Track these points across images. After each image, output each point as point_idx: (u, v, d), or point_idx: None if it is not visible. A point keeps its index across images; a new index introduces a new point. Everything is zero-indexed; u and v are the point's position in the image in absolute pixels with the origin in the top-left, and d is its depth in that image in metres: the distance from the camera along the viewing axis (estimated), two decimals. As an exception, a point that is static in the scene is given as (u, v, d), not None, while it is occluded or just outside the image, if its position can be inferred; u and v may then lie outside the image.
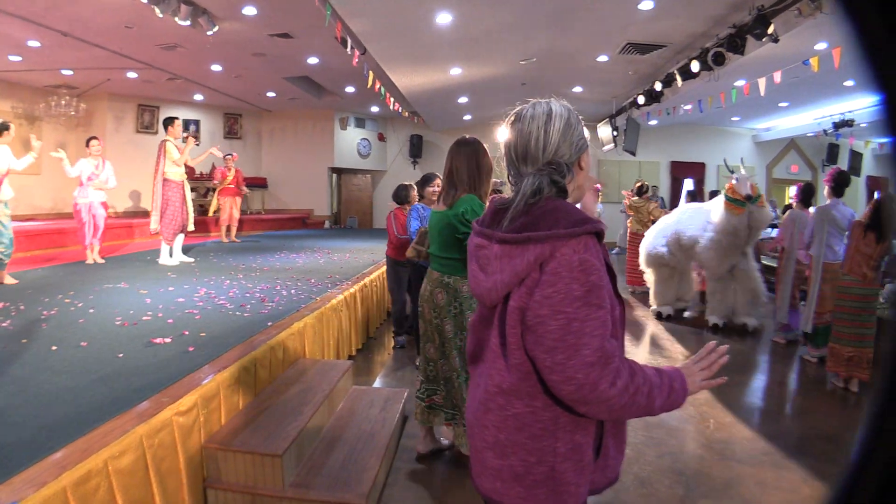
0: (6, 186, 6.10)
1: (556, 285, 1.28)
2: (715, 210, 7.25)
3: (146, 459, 2.42)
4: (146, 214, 13.92)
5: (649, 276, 8.53)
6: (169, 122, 7.79)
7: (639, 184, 10.50)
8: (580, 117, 1.49)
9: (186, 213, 7.81)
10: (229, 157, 11.53)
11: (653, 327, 7.72)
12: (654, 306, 8.41)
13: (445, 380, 3.52)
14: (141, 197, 14.45)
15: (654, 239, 8.26)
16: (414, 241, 4.79)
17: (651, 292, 8.52)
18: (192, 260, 8.05)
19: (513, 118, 1.50)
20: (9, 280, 6.03)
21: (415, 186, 6.14)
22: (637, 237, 9.75)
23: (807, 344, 6.37)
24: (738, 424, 4.58)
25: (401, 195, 6.26)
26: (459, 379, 3.39)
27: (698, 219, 7.61)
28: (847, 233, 5.70)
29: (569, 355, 1.26)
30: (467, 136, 3.57)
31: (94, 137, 7.89)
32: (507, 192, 1.56)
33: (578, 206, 1.48)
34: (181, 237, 7.93)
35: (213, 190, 11.97)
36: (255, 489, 2.86)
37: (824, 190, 6.26)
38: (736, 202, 6.93)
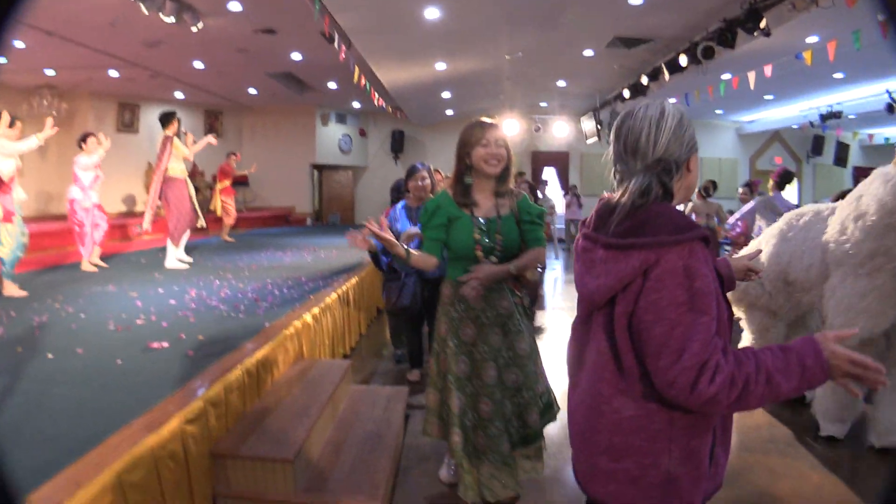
0: (18, 187, 5.87)
1: (660, 291, 1.28)
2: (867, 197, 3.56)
3: (158, 471, 2.34)
4: (123, 216, 13.73)
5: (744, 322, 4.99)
6: (168, 118, 7.51)
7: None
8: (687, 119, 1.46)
9: (195, 211, 7.59)
10: (233, 155, 11.47)
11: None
12: None
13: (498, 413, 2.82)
14: (122, 198, 14.26)
15: None
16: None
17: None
18: (190, 260, 7.80)
19: (623, 115, 1.48)
20: (14, 291, 5.47)
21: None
22: None
23: None
24: (742, 412, 4.59)
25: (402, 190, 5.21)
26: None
27: (815, 234, 4.07)
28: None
29: (671, 360, 1.26)
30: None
31: (91, 133, 7.51)
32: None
33: (681, 207, 1.48)
34: (186, 234, 7.70)
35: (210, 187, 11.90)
36: (265, 496, 2.79)
37: (769, 184, 6.87)
38: None
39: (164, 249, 7.64)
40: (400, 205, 4.81)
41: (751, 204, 7.31)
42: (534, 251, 2.85)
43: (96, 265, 7.26)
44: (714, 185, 9.99)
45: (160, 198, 7.43)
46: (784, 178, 6.96)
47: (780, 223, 4.46)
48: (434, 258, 2.82)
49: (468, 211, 2.78)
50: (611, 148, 1.52)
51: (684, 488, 1.38)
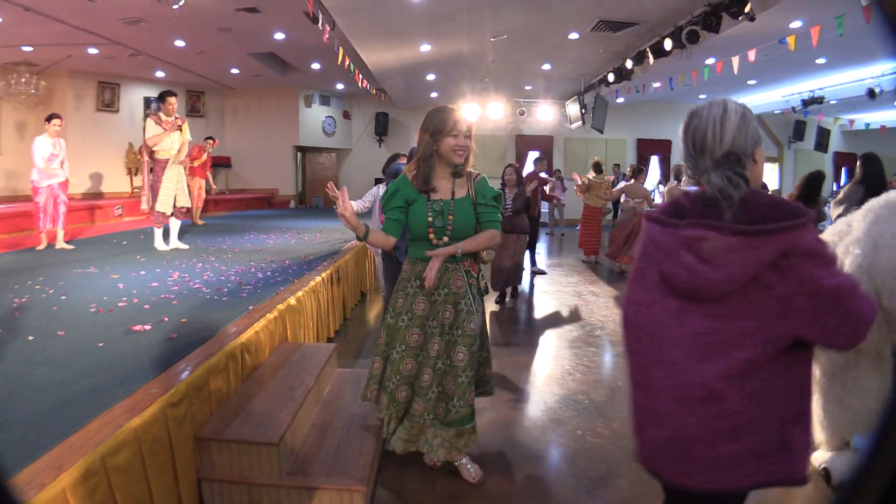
0: None
1: (809, 263, 1.37)
2: None
3: (141, 454, 2.32)
4: (103, 196, 13.61)
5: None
6: (162, 97, 7.20)
7: (595, 160, 10.86)
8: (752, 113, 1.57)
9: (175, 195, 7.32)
10: (210, 140, 11.34)
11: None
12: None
13: (435, 383, 2.98)
14: (103, 179, 14.10)
15: None
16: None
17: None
18: (186, 247, 7.49)
19: (689, 116, 1.58)
20: None
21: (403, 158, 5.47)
22: (593, 210, 10.59)
23: None
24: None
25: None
26: (463, 376, 2.91)
27: None
28: None
29: (849, 311, 1.37)
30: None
31: (56, 115, 7.37)
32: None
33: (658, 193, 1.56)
34: (177, 222, 7.43)
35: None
36: (250, 479, 2.78)
37: None
38: None
39: (146, 231, 7.58)
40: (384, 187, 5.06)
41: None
42: (487, 233, 2.97)
43: (63, 248, 7.30)
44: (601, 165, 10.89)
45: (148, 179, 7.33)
46: None
47: (866, 222, 2.99)
48: (392, 238, 2.98)
49: (425, 195, 2.92)
50: (680, 146, 1.62)
51: (798, 448, 1.47)
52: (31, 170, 7.28)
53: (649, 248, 1.58)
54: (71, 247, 7.37)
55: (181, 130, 7.20)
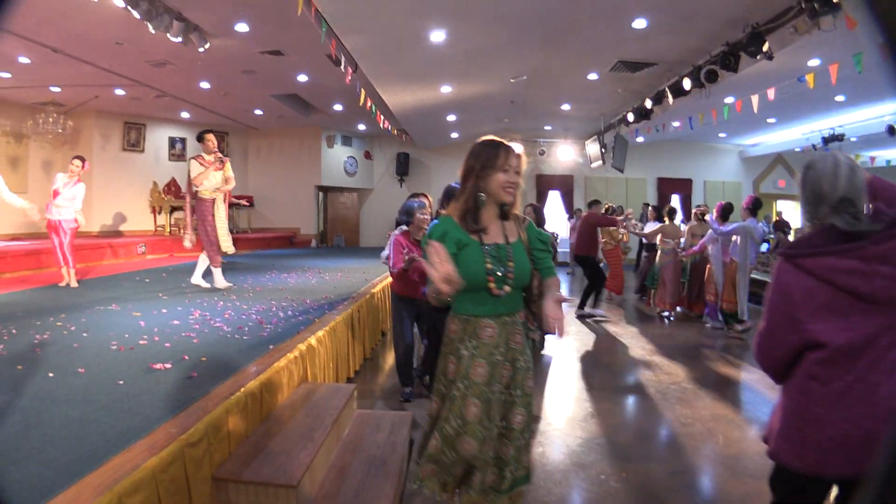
0: None
1: None
2: None
3: (158, 495, 2.29)
4: (122, 235, 13.76)
5: None
6: (200, 137, 7.23)
7: (607, 206, 11.33)
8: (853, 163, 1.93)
9: (216, 233, 7.22)
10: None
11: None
12: None
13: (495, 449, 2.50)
14: (125, 218, 14.29)
15: None
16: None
17: None
18: (207, 285, 7.37)
19: (804, 169, 1.99)
20: None
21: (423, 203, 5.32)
22: (611, 252, 10.99)
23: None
24: (746, 439, 4.53)
25: (412, 213, 5.16)
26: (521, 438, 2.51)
27: None
28: (764, 243, 7.42)
29: None
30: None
31: (80, 157, 7.53)
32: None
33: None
34: (204, 259, 7.37)
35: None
36: (267, 522, 2.74)
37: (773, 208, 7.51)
38: None
39: (168, 269, 7.58)
40: (396, 231, 5.11)
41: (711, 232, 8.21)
42: (555, 280, 2.62)
43: (68, 284, 7.33)
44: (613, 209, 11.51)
45: (194, 219, 7.31)
46: (756, 205, 7.76)
47: None
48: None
49: (476, 237, 2.48)
50: (800, 195, 2.02)
51: None
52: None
53: (832, 277, 1.82)
54: (75, 285, 7.33)
55: (223, 168, 7.20)
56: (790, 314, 1.89)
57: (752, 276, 8.23)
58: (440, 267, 2.17)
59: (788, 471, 2.01)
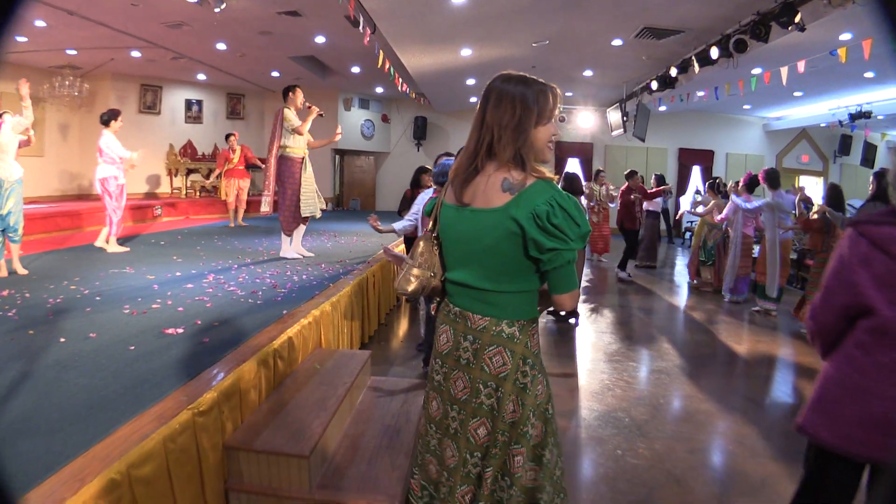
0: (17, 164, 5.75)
1: None
2: None
3: (167, 465, 2.25)
4: (145, 197, 13.75)
5: None
6: (289, 89, 6.65)
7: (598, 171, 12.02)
8: None
9: (297, 197, 6.67)
10: (231, 136, 11.26)
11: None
12: None
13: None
14: (144, 180, 14.30)
15: None
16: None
17: None
18: (311, 254, 7.08)
19: (894, 151, 1.93)
20: (20, 269, 5.53)
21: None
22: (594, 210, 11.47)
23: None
24: (767, 419, 4.46)
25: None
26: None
27: None
28: (793, 212, 7.62)
29: None
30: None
31: (119, 112, 7.28)
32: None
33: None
34: (302, 227, 6.99)
35: (216, 173, 11.79)
36: (279, 491, 2.70)
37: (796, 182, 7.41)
38: None
39: (184, 231, 7.44)
40: (429, 191, 4.91)
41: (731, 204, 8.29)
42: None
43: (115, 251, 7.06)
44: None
45: (276, 180, 6.72)
46: (772, 178, 7.61)
47: None
48: None
49: None
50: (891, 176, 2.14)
51: None
52: (108, 167, 7.02)
53: (889, 247, 1.81)
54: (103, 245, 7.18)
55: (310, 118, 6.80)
56: (847, 278, 1.90)
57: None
58: None
59: (818, 447, 2.03)
